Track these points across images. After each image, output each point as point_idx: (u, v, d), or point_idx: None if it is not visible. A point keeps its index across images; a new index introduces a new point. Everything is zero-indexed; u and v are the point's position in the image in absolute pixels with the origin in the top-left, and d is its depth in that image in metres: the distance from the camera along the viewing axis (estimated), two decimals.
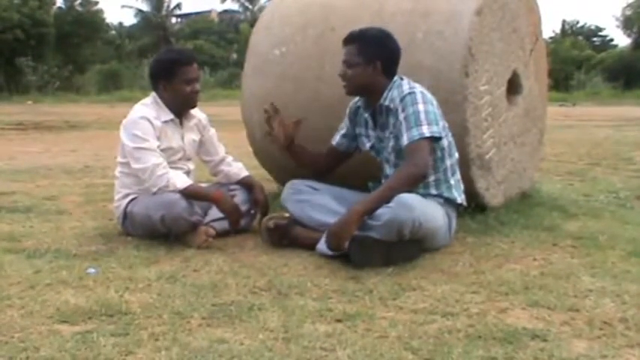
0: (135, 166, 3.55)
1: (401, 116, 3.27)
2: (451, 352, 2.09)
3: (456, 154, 3.49)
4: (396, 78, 3.41)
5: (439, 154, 3.35)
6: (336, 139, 3.71)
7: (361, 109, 3.56)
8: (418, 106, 3.25)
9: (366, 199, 3.18)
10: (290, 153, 3.72)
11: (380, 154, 3.55)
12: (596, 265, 3.13)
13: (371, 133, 3.54)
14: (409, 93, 3.29)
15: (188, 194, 3.51)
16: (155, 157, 3.51)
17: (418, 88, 3.33)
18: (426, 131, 3.20)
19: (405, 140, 3.23)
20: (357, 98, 3.58)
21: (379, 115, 3.46)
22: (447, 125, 3.39)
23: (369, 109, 3.50)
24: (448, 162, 3.41)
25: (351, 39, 3.41)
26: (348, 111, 3.64)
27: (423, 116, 3.23)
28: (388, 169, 3.51)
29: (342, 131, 3.68)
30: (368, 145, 3.58)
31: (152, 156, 3.51)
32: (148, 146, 3.52)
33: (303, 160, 3.76)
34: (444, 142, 3.36)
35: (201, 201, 3.62)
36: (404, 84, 3.37)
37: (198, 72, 3.77)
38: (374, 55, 3.36)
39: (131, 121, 3.59)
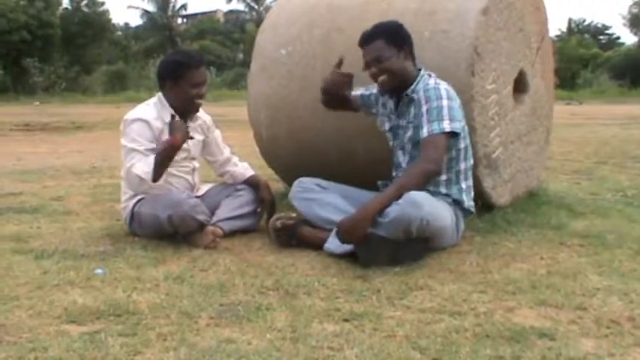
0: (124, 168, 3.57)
1: (423, 108, 3.28)
2: (459, 352, 2.09)
3: (472, 160, 3.49)
4: (423, 72, 3.42)
5: (454, 154, 3.35)
6: (356, 92, 3.67)
7: (387, 95, 3.55)
8: (442, 101, 3.25)
9: (380, 195, 3.18)
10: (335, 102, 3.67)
11: (396, 139, 3.55)
12: (603, 263, 3.13)
13: (392, 116, 3.55)
14: (434, 87, 3.31)
15: (160, 168, 3.47)
16: (137, 159, 3.48)
17: (443, 85, 3.34)
18: (446, 126, 3.21)
19: (424, 132, 3.23)
20: None
21: (402, 104, 3.46)
22: (467, 128, 3.39)
23: (394, 97, 3.50)
24: (462, 165, 3.41)
25: (374, 35, 3.38)
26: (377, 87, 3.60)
27: (446, 111, 3.23)
28: (401, 157, 3.51)
29: (365, 93, 3.67)
30: (388, 126, 3.58)
31: (132, 158, 3.49)
32: (137, 147, 3.51)
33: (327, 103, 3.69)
34: (461, 144, 3.36)
35: (169, 159, 3.53)
36: (430, 79, 3.39)
37: (206, 75, 3.77)
38: (402, 41, 3.37)
39: (128, 121, 3.60)
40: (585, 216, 4.23)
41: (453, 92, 3.34)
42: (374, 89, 3.63)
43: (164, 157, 3.50)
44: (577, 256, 3.28)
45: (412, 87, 3.38)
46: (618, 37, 59.04)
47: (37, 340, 2.17)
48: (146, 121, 3.58)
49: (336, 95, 3.62)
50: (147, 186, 3.49)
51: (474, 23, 3.80)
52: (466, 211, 3.48)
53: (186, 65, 3.63)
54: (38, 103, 28.92)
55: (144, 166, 3.46)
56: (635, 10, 49.36)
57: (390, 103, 3.54)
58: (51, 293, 2.67)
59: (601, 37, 58.30)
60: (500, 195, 4.10)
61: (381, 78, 3.38)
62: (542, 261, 3.19)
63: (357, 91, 3.70)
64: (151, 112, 3.64)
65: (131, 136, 3.54)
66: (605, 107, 24.49)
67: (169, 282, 2.82)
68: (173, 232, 3.50)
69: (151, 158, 3.48)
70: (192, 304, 2.52)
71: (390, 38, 3.36)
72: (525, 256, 3.28)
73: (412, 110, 3.39)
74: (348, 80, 3.58)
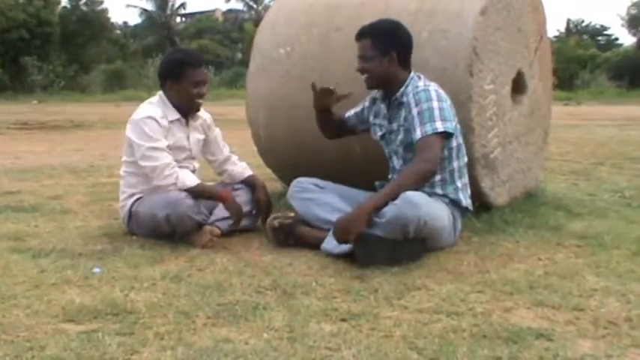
0: (145, 164, 3.55)
1: (414, 111, 3.29)
2: (456, 352, 2.09)
3: (465, 158, 3.49)
4: (412, 75, 3.44)
5: (446, 153, 3.35)
6: (349, 113, 3.74)
7: (379, 100, 3.58)
8: (433, 102, 3.27)
9: (376, 194, 3.19)
10: (319, 115, 3.72)
11: (389, 146, 3.56)
12: (601, 264, 3.13)
13: (384, 123, 3.56)
14: (424, 90, 3.32)
15: (196, 193, 3.54)
16: (165, 156, 3.53)
17: (433, 86, 3.36)
18: (439, 126, 3.22)
19: (417, 134, 3.24)
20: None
21: (392, 107, 3.47)
22: (459, 127, 3.40)
23: (386, 100, 3.52)
24: (455, 164, 3.41)
25: (364, 33, 3.44)
26: (369, 97, 3.66)
27: (437, 113, 3.25)
28: (396, 161, 3.52)
29: (357, 110, 3.71)
30: (379, 134, 3.60)
31: (163, 155, 3.53)
32: (159, 145, 3.54)
33: (323, 126, 3.78)
34: (453, 143, 3.37)
35: (208, 199, 3.64)
36: (419, 81, 3.40)
37: (207, 75, 3.78)
38: (388, 46, 3.38)
39: (139, 121, 3.59)
40: (583, 217, 4.23)
41: (442, 93, 3.35)
42: (366, 102, 3.67)
43: (203, 193, 3.62)
44: (574, 257, 3.28)
45: (401, 90, 3.40)
46: (617, 38, 59.17)
47: (34, 339, 2.17)
48: (155, 119, 3.59)
49: (320, 111, 3.66)
50: (172, 187, 3.53)
51: (473, 23, 3.80)
52: (464, 210, 3.48)
53: (187, 64, 3.65)
54: (36, 101, 28.90)
55: (186, 179, 3.56)
56: (633, 11, 49.40)
57: (383, 108, 3.55)
58: (48, 292, 2.67)
59: (599, 37, 58.31)
60: (498, 195, 4.10)
61: (363, 76, 3.46)
62: (540, 261, 3.20)
63: (350, 112, 3.73)
64: (156, 110, 3.65)
65: (147, 133, 3.56)
66: (603, 108, 24.51)
67: (167, 281, 2.82)
68: (171, 232, 3.49)
69: (194, 178, 3.62)
70: (190, 304, 2.52)
71: (377, 41, 3.40)
72: (523, 256, 3.28)
73: (402, 113, 3.40)
74: (329, 94, 3.59)
